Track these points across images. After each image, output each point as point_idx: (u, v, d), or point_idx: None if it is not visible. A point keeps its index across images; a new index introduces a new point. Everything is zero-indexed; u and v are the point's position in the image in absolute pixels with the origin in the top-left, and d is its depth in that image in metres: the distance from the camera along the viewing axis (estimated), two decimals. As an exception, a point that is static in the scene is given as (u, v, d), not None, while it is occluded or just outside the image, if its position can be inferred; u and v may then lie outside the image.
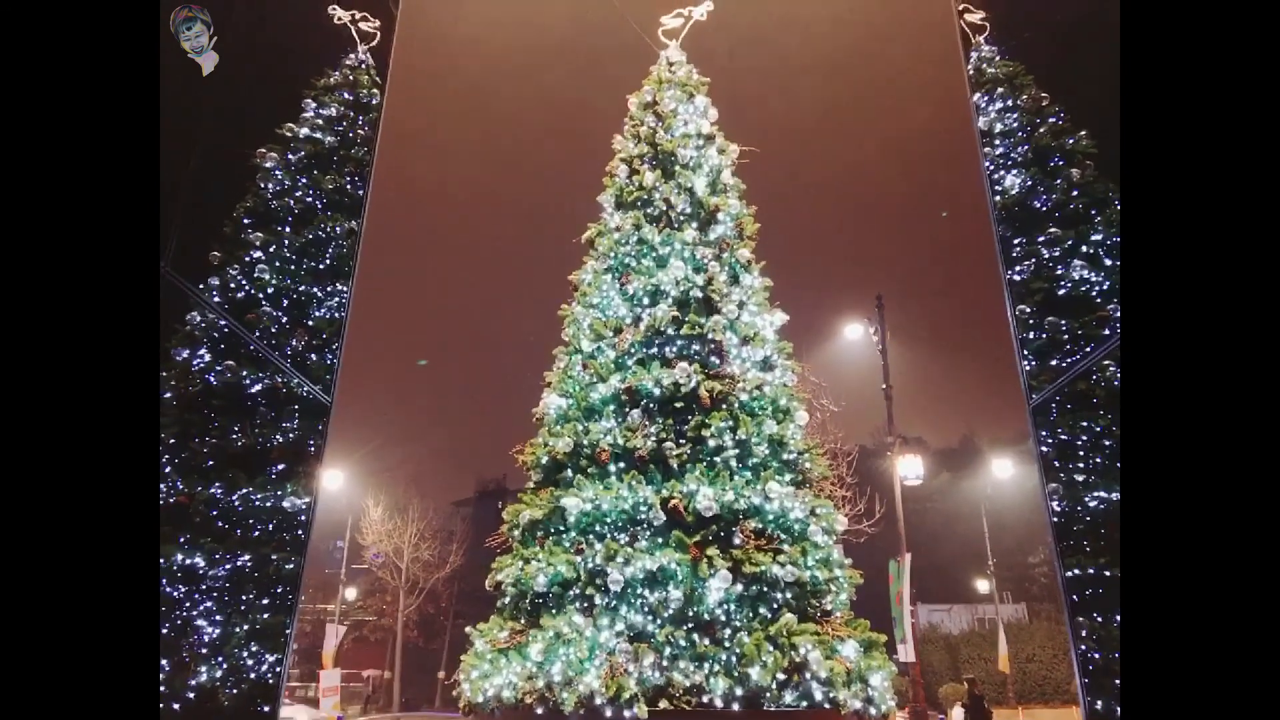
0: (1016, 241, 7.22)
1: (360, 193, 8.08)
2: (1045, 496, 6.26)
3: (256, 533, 6.39)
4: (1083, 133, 7.32)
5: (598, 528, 6.71)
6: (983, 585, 31.93)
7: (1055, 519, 6.19)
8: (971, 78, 8.16)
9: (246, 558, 6.28)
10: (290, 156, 7.84)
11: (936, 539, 32.63)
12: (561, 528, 6.88)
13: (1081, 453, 6.35)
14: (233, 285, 7.12)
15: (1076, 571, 6.07)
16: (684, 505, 6.46)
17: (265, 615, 6.20)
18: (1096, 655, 5.80)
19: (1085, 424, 6.34)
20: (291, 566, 6.38)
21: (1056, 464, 6.34)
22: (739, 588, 6.25)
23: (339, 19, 8.71)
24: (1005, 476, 28.43)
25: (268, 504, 6.49)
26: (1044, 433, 6.41)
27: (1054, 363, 6.63)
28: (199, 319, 6.91)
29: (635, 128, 8.92)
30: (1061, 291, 6.82)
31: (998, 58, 8.15)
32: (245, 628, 6.09)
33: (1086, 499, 6.20)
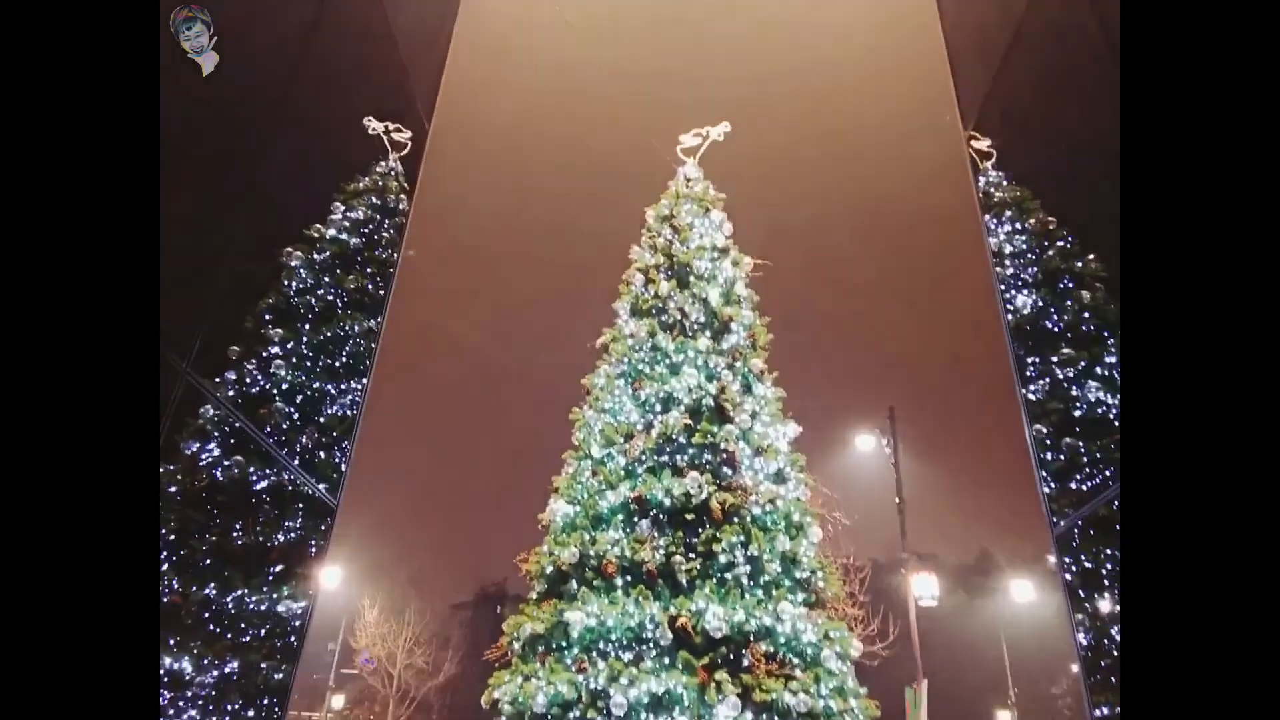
0: (1031, 360, 7.21)
1: (381, 293, 8.25)
2: (1072, 629, 5.97)
3: (247, 638, 6.16)
4: (1091, 256, 7.42)
5: (602, 645, 6.41)
6: (1004, 717, 30.12)
7: (1084, 652, 5.87)
8: (981, 200, 8.40)
9: (234, 665, 6.02)
10: (316, 256, 8.06)
11: (954, 664, 31.03)
12: (564, 643, 6.58)
13: (1107, 582, 6.10)
14: (248, 380, 7.16)
15: (1106, 710, 5.71)
16: (692, 624, 6.19)
17: (249, 729, 5.90)
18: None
19: (1110, 551, 6.12)
20: (281, 676, 6.12)
21: (1082, 593, 6.09)
22: (749, 716, 5.89)
23: (373, 130, 9.15)
24: (1025, 601, 27.25)
25: (262, 607, 6.29)
26: (1068, 559, 6.19)
27: (1074, 485, 6.47)
28: (213, 413, 6.92)
29: (652, 239, 9.13)
30: (1078, 413, 6.74)
31: (1005, 182, 8.40)
32: (227, 741, 5.78)
33: (1114, 631, 5.91)
